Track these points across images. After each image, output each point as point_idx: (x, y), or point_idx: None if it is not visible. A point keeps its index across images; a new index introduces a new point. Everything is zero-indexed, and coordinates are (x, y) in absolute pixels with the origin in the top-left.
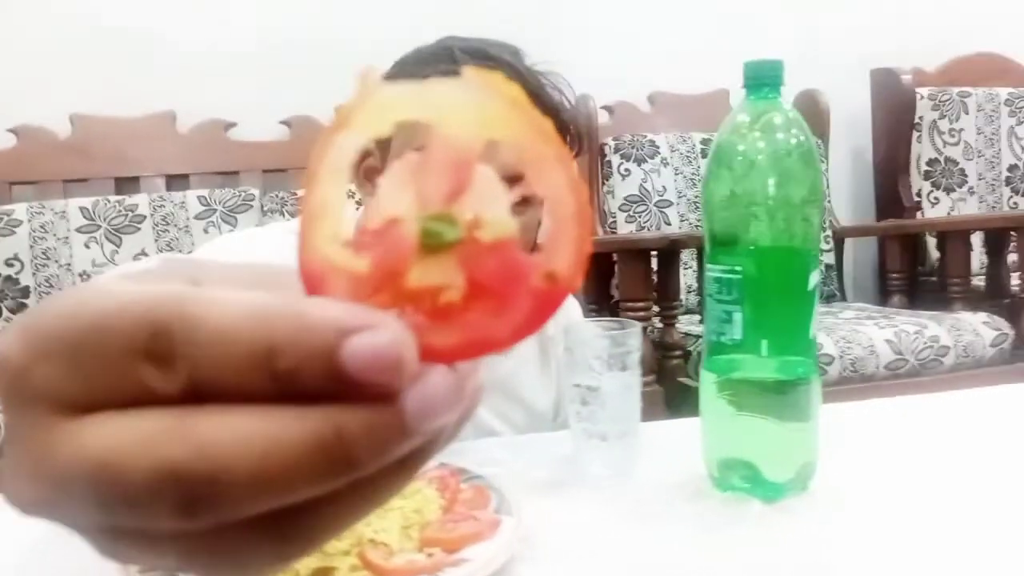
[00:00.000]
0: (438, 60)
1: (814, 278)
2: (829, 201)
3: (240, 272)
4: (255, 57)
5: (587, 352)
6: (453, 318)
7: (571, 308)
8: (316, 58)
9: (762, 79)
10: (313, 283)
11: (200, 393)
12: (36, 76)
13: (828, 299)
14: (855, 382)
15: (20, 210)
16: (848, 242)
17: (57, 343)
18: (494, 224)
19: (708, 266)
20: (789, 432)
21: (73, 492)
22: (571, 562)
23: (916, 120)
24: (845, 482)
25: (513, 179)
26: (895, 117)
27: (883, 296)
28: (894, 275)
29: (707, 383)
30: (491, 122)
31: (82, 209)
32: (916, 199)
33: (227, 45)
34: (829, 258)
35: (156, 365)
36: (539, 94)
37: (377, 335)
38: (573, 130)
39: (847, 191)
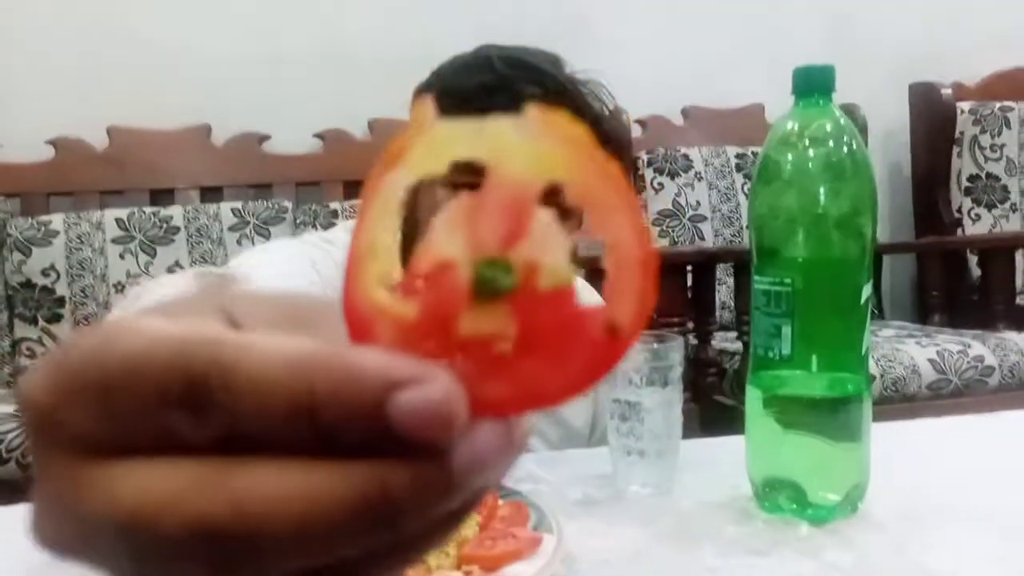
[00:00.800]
0: (477, 70)
1: (866, 291)
2: None
3: (279, 305)
4: (289, 71)
5: (627, 366)
6: (505, 370)
7: None
8: (349, 72)
9: (813, 86)
10: (358, 328)
11: (236, 443)
12: (74, 89)
13: None
14: (896, 402)
15: (57, 221)
16: (886, 259)
17: (86, 384)
18: (552, 272)
19: (755, 278)
20: (839, 452)
21: (103, 539)
22: None
23: (956, 135)
24: (896, 505)
25: (573, 224)
26: (935, 132)
27: (922, 314)
28: (934, 293)
29: (753, 399)
30: (553, 164)
31: (117, 220)
32: (956, 215)
33: (261, 59)
34: None
35: (190, 412)
36: (579, 104)
37: (426, 389)
38: (615, 140)
39: (885, 207)
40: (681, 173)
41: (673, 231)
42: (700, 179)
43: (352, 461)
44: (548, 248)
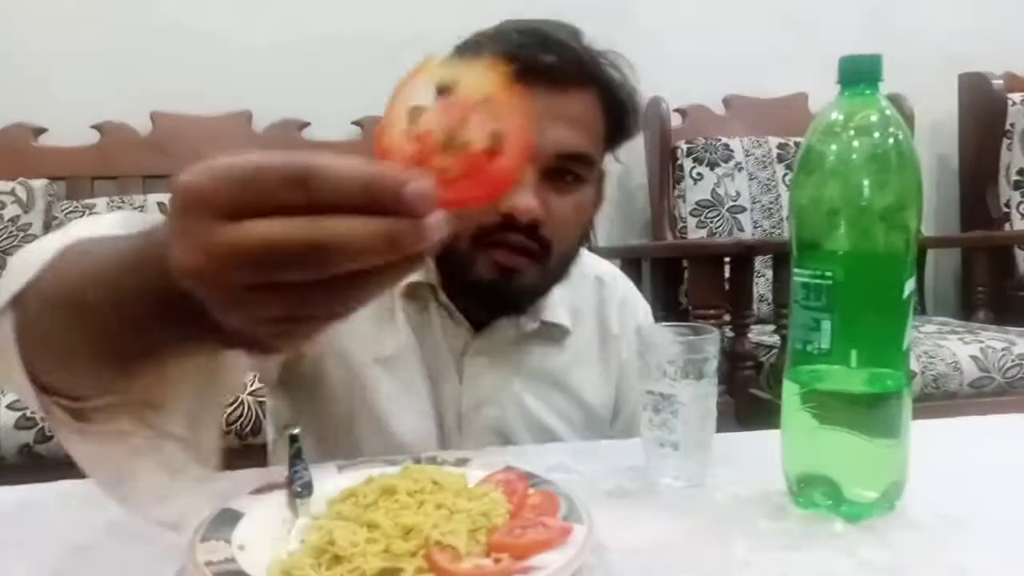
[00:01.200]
0: (494, 42)
1: (909, 286)
2: None
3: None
4: (328, 59)
5: (661, 358)
6: (453, 185)
7: (639, 310)
8: (388, 60)
9: (859, 75)
10: (384, 154)
11: (321, 210)
12: (118, 75)
13: None
14: (937, 399)
15: (101, 204)
16: (930, 253)
17: (231, 175)
18: (476, 141)
19: (795, 271)
20: (877, 448)
21: (236, 261)
22: (640, 571)
23: (1007, 127)
24: (934, 503)
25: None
26: (984, 124)
27: (966, 310)
28: (980, 288)
29: (790, 394)
30: (485, 87)
31: (159, 204)
32: (1005, 210)
33: (301, 47)
34: None
35: (299, 190)
36: (594, 72)
37: (421, 184)
38: (629, 106)
39: (930, 200)
40: (721, 163)
41: (712, 222)
42: (740, 169)
43: (385, 218)
44: (475, 130)
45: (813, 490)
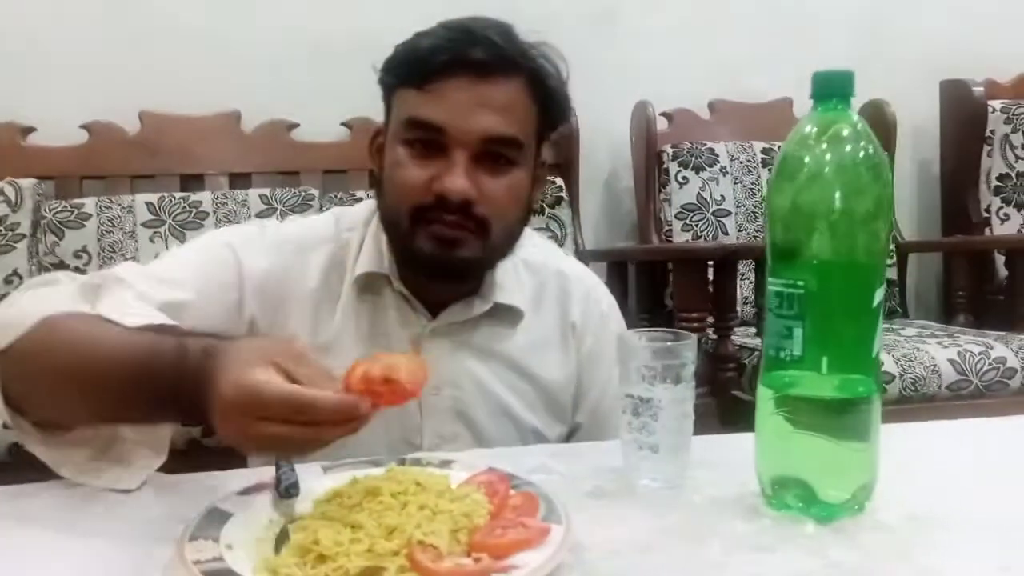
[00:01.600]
0: (427, 38)
1: (879, 294)
2: (893, 216)
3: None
4: (318, 60)
5: (640, 363)
6: (381, 396)
7: (603, 303)
8: (374, 61)
9: (831, 90)
10: (348, 387)
11: (309, 423)
12: (107, 74)
13: (890, 315)
14: (915, 402)
15: (90, 204)
16: (912, 258)
17: (263, 400)
18: (401, 378)
19: (770, 280)
20: (847, 452)
21: (260, 443)
22: (615, 570)
23: (987, 134)
24: (903, 505)
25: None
26: (965, 130)
27: (947, 314)
28: (960, 293)
29: (764, 399)
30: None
31: (148, 204)
32: (985, 215)
33: (291, 48)
34: (891, 273)
35: (300, 414)
36: (529, 65)
37: (362, 405)
38: (558, 93)
39: (912, 205)
40: (706, 167)
41: (696, 225)
42: (725, 173)
43: (345, 425)
44: (395, 371)
45: (786, 492)
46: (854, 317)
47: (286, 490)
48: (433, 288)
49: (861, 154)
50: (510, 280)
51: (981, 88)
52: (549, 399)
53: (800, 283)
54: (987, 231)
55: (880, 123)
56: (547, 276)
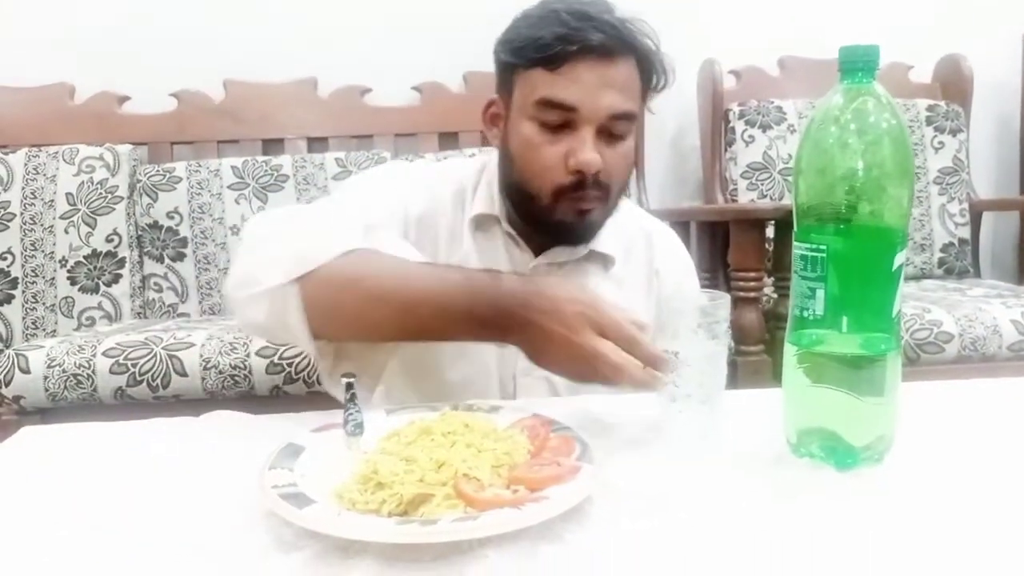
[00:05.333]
0: (549, 23)
1: (899, 258)
2: (967, 173)
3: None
4: (389, 27)
5: (677, 320)
6: None
7: (681, 258)
8: (446, 27)
9: (856, 64)
10: None
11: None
12: (194, 45)
13: (960, 275)
14: (974, 361)
15: (180, 168)
16: (989, 217)
17: (605, 319)
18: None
19: (795, 244)
20: (865, 406)
21: (586, 353)
22: (642, 506)
23: None
24: (923, 459)
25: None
26: None
27: (1022, 274)
28: None
29: (789, 355)
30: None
31: (233, 168)
32: None
33: (364, 16)
34: (964, 232)
35: (629, 343)
36: (631, 42)
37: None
38: (659, 67)
39: (990, 163)
40: (773, 126)
41: (762, 184)
42: (793, 132)
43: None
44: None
45: (810, 442)
46: (873, 280)
47: (353, 429)
48: (539, 236)
49: (884, 125)
50: (604, 231)
51: None
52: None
53: (822, 247)
54: None
55: (956, 78)
56: (634, 230)
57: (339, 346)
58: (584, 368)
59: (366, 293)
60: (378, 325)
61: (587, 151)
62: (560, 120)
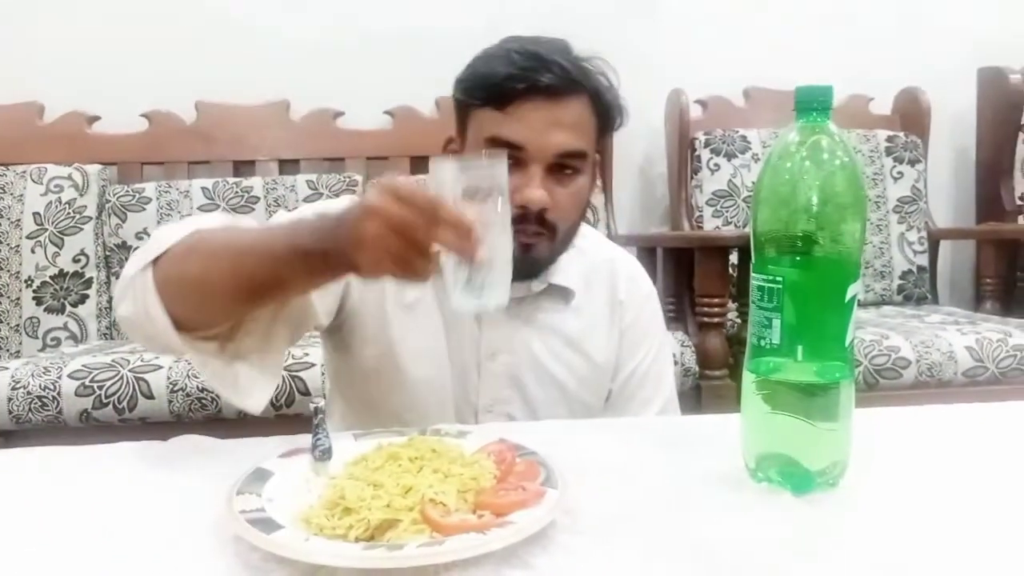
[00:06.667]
0: (501, 63)
1: (853, 289)
2: (925, 202)
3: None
4: (363, 51)
5: (445, 188)
6: None
7: (644, 285)
8: (419, 53)
9: (811, 104)
10: None
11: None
12: (166, 66)
13: (919, 302)
14: (931, 387)
15: (150, 188)
16: (947, 245)
17: (396, 194)
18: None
19: (753, 275)
20: (819, 432)
21: (390, 224)
22: (606, 531)
23: (1023, 122)
24: (876, 484)
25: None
26: (1001, 118)
27: (977, 302)
28: (988, 280)
29: (747, 382)
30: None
31: (203, 189)
32: (1018, 203)
33: (338, 40)
34: (922, 260)
35: (423, 216)
36: (591, 83)
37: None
38: (614, 105)
39: (947, 193)
40: (738, 154)
41: (727, 211)
42: (757, 160)
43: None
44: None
45: (768, 467)
46: (827, 310)
47: (321, 454)
48: None
49: (837, 163)
50: (563, 264)
51: (1019, 76)
52: (594, 371)
53: (779, 278)
54: (1020, 219)
55: (915, 110)
56: (597, 261)
57: (235, 348)
58: (410, 254)
59: (204, 255)
60: (216, 285)
61: (533, 188)
62: (509, 159)
